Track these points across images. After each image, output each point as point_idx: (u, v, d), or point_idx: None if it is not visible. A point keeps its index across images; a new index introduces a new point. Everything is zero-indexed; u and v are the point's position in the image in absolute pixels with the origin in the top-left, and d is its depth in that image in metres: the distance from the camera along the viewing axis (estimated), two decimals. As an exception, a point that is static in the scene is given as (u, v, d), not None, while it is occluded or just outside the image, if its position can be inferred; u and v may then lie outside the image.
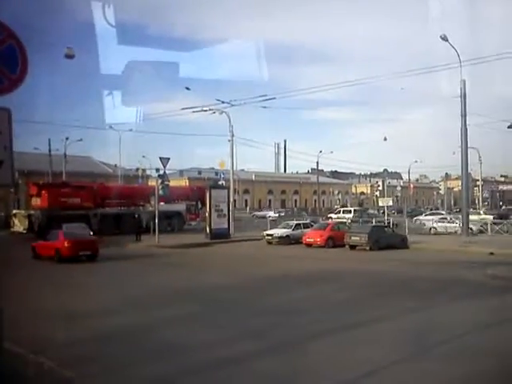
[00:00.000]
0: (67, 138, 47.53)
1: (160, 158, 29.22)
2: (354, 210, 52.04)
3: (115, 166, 58.29)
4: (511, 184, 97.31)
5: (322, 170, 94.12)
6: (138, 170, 58.09)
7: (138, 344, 8.17)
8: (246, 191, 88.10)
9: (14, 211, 34.63)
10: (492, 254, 21.61)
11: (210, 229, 29.54)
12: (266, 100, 31.26)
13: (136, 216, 31.67)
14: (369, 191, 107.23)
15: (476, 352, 7.54)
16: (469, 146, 31.69)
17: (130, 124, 42.80)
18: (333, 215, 49.75)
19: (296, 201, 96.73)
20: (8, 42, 4.38)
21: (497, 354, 7.40)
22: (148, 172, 56.77)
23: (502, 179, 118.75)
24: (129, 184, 49.73)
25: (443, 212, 52.41)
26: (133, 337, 8.62)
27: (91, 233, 26.04)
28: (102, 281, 15.65)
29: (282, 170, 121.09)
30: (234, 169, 36.23)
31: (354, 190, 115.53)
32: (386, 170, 78.25)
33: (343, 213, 50.33)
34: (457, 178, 77.66)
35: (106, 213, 34.12)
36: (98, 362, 7.12)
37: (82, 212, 32.42)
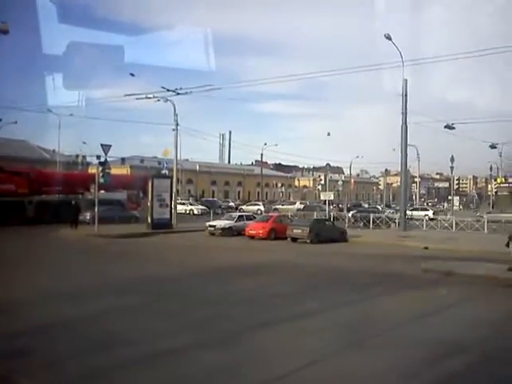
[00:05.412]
0: (0, 120, 45.25)
1: (101, 145, 28.28)
2: None
3: (53, 151, 56.12)
4: (446, 181, 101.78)
5: (266, 163, 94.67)
6: (77, 156, 56.13)
7: (77, 335, 7.89)
8: (190, 181, 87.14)
9: None
10: (426, 248, 22.50)
11: (152, 219, 29.06)
12: (213, 90, 30.98)
13: (73, 203, 30.69)
14: (311, 185, 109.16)
15: (408, 342, 7.81)
16: (408, 143, 32.78)
17: (70, 108, 41.23)
18: None
19: (239, 192, 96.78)
20: None
21: (428, 344, 7.67)
22: (88, 159, 54.92)
23: (438, 177, 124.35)
24: (68, 171, 48.08)
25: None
26: (72, 328, 8.31)
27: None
28: (37, 269, 14.95)
29: (227, 161, 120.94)
30: (178, 158, 35.71)
31: (297, 184, 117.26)
32: (328, 164, 79.67)
33: None
34: (396, 174, 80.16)
35: (42, 200, 32.85)
36: (36, 355, 6.82)
37: (17, 199, 31.05)
